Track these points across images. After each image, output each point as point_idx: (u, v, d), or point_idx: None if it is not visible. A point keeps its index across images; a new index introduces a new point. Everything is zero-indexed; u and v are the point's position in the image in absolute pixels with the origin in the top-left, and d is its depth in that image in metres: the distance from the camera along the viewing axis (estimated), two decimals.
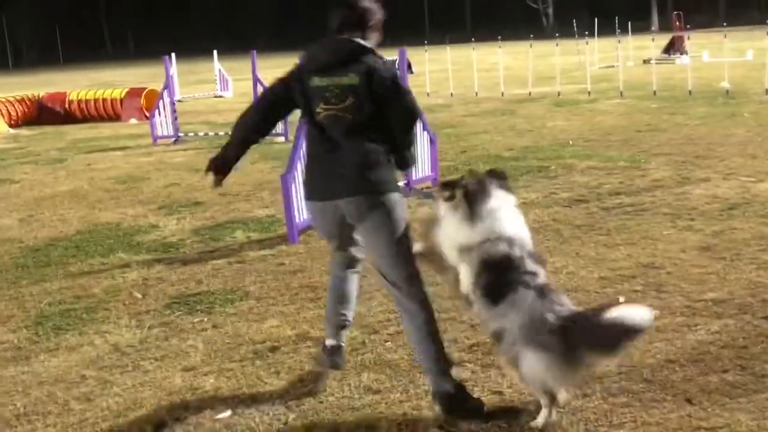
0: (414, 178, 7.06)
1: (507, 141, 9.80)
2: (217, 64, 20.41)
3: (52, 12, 68.57)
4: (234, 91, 20.68)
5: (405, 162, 3.06)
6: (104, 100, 15.74)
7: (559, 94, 14.74)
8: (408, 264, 2.98)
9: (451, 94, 15.99)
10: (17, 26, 68.94)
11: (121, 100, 15.66)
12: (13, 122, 15.43)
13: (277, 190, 7.68)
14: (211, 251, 5.64)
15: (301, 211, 5.86)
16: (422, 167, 7.17)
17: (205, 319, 4.31)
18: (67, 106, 15.88)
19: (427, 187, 7.05)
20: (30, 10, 68.59)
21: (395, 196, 2.98)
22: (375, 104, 2.91)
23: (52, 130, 14.82)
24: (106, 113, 15.73)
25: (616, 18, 22.45)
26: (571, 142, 9.29)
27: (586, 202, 6.30)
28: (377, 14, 3.05)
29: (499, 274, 2.77)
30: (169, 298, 4.71)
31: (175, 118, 11.80)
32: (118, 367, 3.75)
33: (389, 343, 3.81)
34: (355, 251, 3.23)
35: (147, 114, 15.33)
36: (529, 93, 15.19)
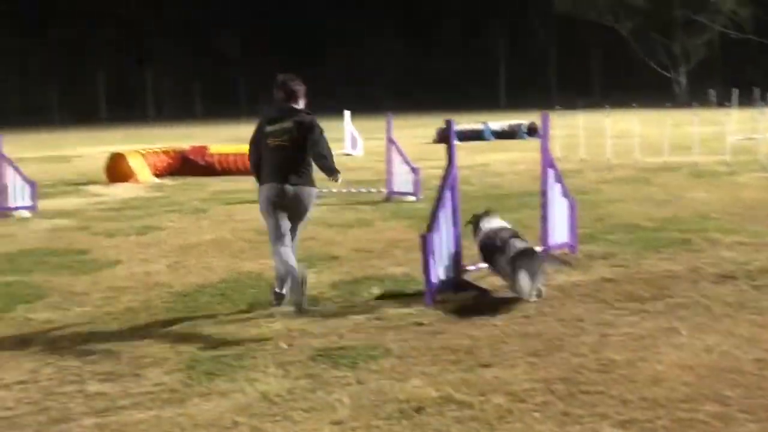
0: (552, 243, 6.93)
1: (645, 210, 9.50)
2: (349, 125, 21.04)
3: (195, 68, 72.95)
4: (364, 149, 21.24)
5: (323, 169, 5.70)
6: (242, 154, 16.51)
7: (696, 164, 14.20)
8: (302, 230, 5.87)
9: (582, 159, 15.69)
10: (160, 80, 73.90)
11: None
12: (157, 172, 16.46)
13: (410, 249, 7.73)
14: (351, 306, 5.72)
15: (439, 273, 5.85)
16: (559, 233, 7.04)
17: (349, 374, 4.34)
18: (208, 158, 16.79)
19: (564, 254, 6.90)
20: (174, 66, 73.27)
21: (312, 191, 5.68)
22: (301, 138, 5.61)
23: (193, 181, 15.65)
24: (245, 167, 16.47)
25: (757, 89, 21.54)
26: (714, 215, 8.90)
27: (734, 279, 6.00)
28: (301, 90, 5.78)
29: (488, 250, 5.98)
30: (313, 350, 4.79)
31: None
32: (268, 416, 3.82)
33: (537, 413, 3.70)
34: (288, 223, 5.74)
35: None
36: (665, 161, 14.70)
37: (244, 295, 6.16)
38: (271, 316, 5.53)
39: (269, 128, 5.69)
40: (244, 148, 16.41)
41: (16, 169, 11.40)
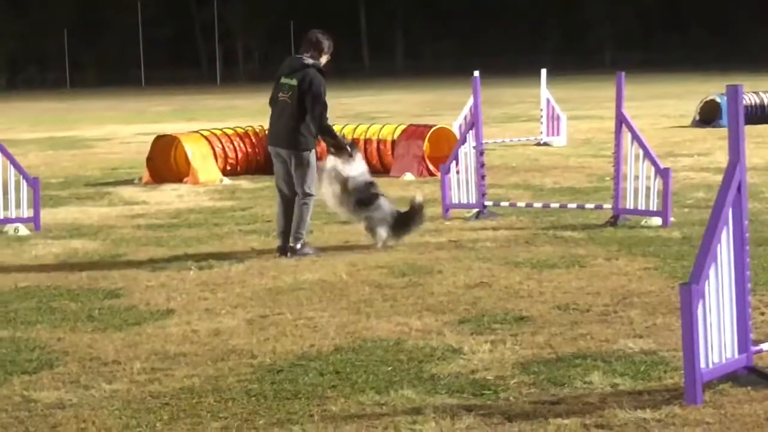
0: None
1: None
2: (545, 92, 20.97)
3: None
4: (567, 136, 21.06)
5: (317, 130, 10.08)
6: (366, 141, 16.79)
7: None
8: (304, 185, 10.14)
9: None
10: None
11: (393, 143, 16.60)
12: (230, 167, 16.99)
13: (656, 309, 7.55)
14: (552, 402, 5.67)
15: (710, 353, 5.65)
16: None
17: None
18: None
19: None
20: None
21: (308, 152, 10.08)
22: (302, 96, 9.98)
23: None
24: (368, 162, 16.69)
25: None
26: None
27: None
28: (326, 44, 10.26)
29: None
30: None
31: (482, 177, 12.19)
32: None
33: None
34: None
35: (432, 167, 16.06)
36: None
37: (373, 376, 6.22)
38: (417, 411, 5.52)
39: (283, 80, 10.26)
40: (371, 130, 17.01)
41: (9, 158, 12.08)
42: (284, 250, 10.17)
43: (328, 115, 10.24)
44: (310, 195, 10.24)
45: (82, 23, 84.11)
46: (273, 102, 10.32)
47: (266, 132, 17.46)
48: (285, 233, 10.22)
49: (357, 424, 5.43)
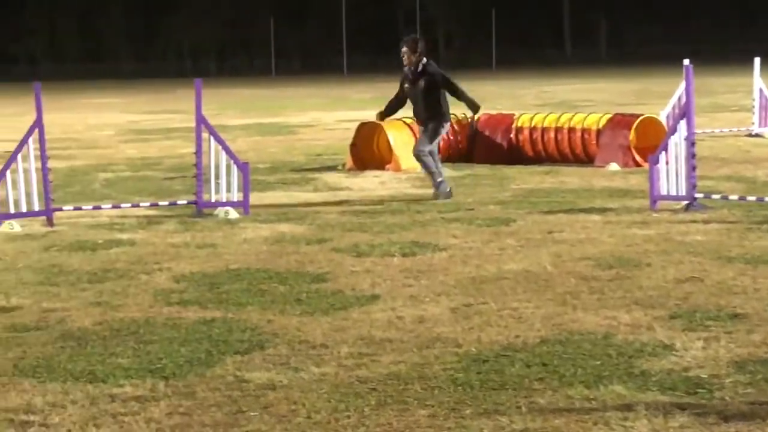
0: None
1: None
2: (758, 81, 20.30)
3: None
4: None
5: (470, 105, 13.69)
6: (570, 130, 16.60)
7: None
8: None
9: None
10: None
11: (598, 132, 16.36)
12: None
13: None
14: None
15: None
16: None
17: None
18: (513, 135, 17.10)
19: None
20: None
21: (439, 124, 13.60)
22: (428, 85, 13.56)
23: (487, 171, 16.11)
24: (571, 151, 16.56)
25: None
26: None
27: None
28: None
29: None
30: None
31: (693, 168, 11.88)
32: None
33: None
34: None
35: (638, 158, 15.75)
36: None
37: (580, 369, 6.15)
38: (627, 407, 5.41)
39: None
40: (575, 119, 16.81)
41: (221, 143, 12.45)
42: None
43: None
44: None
45: (287, 10, 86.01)
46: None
47: (469, 120, 17.61)
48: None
49: (566, 417, 5.37)
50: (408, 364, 6.33)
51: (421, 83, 13.28)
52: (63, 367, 6.39)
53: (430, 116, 13.36)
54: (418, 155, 13.42)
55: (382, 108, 14.22)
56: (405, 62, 13.44)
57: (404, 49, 13.39)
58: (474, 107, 13.56)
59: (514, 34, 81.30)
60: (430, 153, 13.38)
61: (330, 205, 13.17)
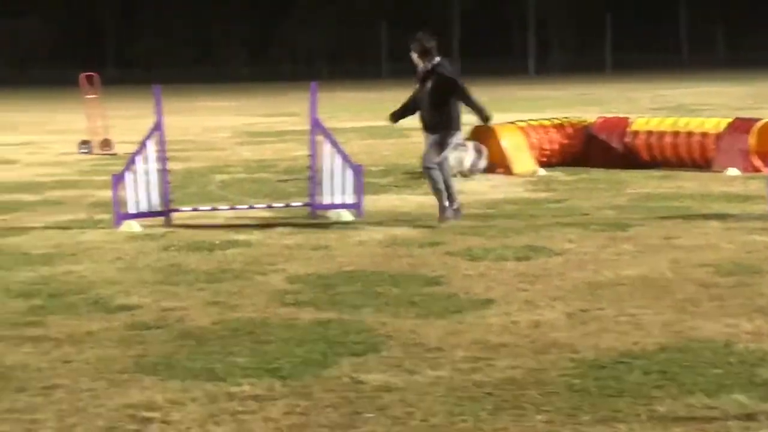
0: None
1: None
2: None
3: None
4: None
5: (478, 112, 11.96)
6: (689, 134, 16.32)
7: None
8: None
9: None
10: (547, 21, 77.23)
11: (717, 136, 16.06)
12: (544, 158, 16.95)
13: None
14: None
15: None
16: None
17: None
18: (628, 139, 16.88)
19: None
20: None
21: (447, 133, 11.84)
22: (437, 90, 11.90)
23: (602, 175, 15.92)
24: (689, 156, 16.27)
25: None
26: None
27: None
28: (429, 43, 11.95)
29: None
30: None
31: None
32: None
33: None
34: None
35: (758, 163, 15.43)
36: None
37: (700, 377, 6.07)
38: (749, 416, 5.31)
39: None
40: (692, 123, 16.56)
41: (335, 145, 12.52)
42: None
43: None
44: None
45: (399, 15, 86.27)
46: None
47: (583, 123, 17.46)
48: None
49: (686, 426, 5.30)
50: (524, 369, 6.31)
51: (428, 84, 11.83)
52: (182, 365, 6.50)
53: (437, 123, 11.81)
54: (425, 169, 11.87)
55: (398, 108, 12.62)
56: (416, 64, 11.96)
57: (411, 51, 11.91)
58: (482, 115, 11.94)
59: (629, 38, 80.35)
60: (440, 167, 11.83)
61: None
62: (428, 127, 11.96)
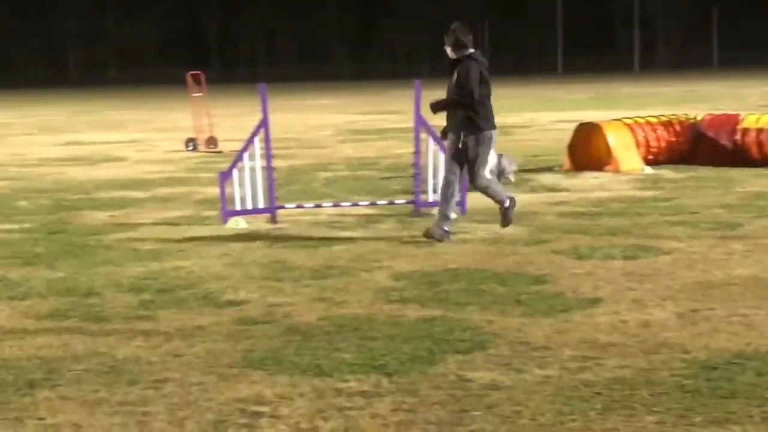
0: None
1: None
2: None
3: None
4: None
5: (449, 103, 10.79)
6: None
7: None
8: None
9: None
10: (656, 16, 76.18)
11: None
12: (651, 156, 16.73)
13: None
14: None
15: None
16: None
17: None
18: (738, 136, 16.57)
19: None
20: None
21: (472, 141, 10.60)
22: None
23: (711, 173, 15.70)
24: None
25: None
26: None
27: None
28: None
29: None
30: None
31: None
32: None
33: None
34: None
35: None
36: None
37: None
38: None
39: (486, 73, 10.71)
40: None
41: (439, 142, 12.50)
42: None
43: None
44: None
45: (500, 12, 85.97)
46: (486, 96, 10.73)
47: (691, 120, 17.20)
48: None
49: None
50: (633, 368, 6.23)
51: (453, 78, 10.74)
52: (290, 360, 6.55)
53: (457, 123, 10.68)
54: (481, 190, 10.88)
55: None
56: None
57: (445, 44, 10.77)
58: (447, 104, 10.80)
59: (736, 34, 78.96)
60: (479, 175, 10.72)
61: (547, 205, 13.08)
62: (451, 128, 10.82)
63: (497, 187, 11.06)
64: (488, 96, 10.72)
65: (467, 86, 10.48)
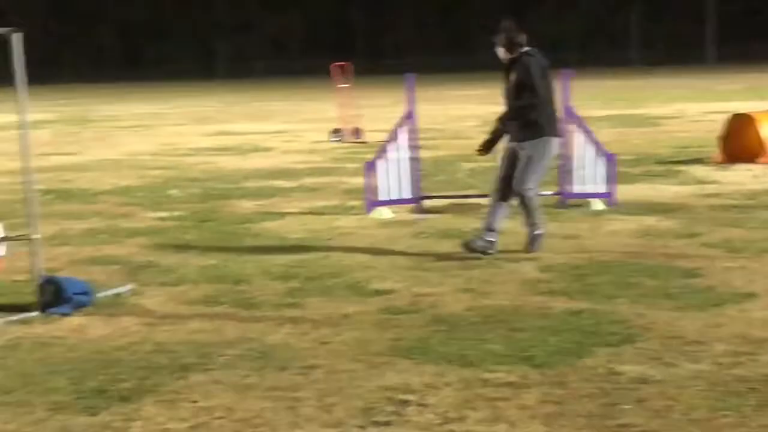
0: None
1: None
2: None
3: None
4: None
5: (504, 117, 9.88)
6: None
7: None
8: None
9: None
10: None
11: None
12: None
13: None
14: None
15: None
16: None
17: None
18: None
19: None
20: None
21: (532, 147, 9.56)
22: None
23: None
24: None
25: None
26: None
27: None
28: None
29: None
30: None
31: None
32: None
33: None
34: None
35: None
36: None
37: None
38: None
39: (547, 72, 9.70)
40: None
41: (588, 134, 12.39)
42: None
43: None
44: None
45: (650, 0, 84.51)
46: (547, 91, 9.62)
47: None
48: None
49: None
50: None
51: (512, 78, 9.70)
52: (436, 349, 6.59)
53: (519, 128, 9.62)
54: (521, 194, 9.60)
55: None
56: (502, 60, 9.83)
57: (496, 45, 9.77)
58: (503, 120, 9.87)
59: None
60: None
61: (698, 198, 12.82)
62: (511, 133, 9.77)
63: (538, 207, 9.67)
64: (550, 100, 9.66)
65: (529, 83, 9.44)
